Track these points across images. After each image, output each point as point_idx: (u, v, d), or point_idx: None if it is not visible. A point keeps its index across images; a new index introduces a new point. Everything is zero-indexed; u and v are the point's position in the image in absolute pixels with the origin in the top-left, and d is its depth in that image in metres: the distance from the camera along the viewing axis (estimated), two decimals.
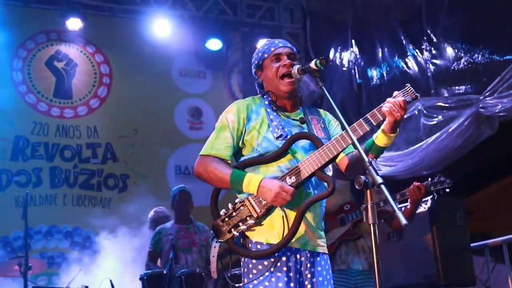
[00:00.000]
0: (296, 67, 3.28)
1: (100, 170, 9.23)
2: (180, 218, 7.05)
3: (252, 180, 3.11)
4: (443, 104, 7.33)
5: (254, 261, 3.15)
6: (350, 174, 3.30)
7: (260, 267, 3.13)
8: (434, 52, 7.68)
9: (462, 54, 7.28)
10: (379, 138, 3.15)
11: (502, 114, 6.57)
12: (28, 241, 6.56)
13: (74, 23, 9.14)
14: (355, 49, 9.14)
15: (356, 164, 3.26)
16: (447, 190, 4.85)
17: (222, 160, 3.25)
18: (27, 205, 6.66)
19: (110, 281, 6.67)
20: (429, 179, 4.89)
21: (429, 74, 7.77)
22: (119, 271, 7.37)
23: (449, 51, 7.47)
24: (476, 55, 7.14)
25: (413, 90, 3.05)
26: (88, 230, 8.37)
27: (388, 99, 3.05)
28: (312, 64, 3.14)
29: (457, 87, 7.34)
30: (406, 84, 3.09)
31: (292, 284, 3.13)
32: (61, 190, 8.91)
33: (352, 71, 9.11)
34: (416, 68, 7.98)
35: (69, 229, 8.54)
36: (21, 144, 8.87)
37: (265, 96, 3.39)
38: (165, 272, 6.25)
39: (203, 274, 6.31)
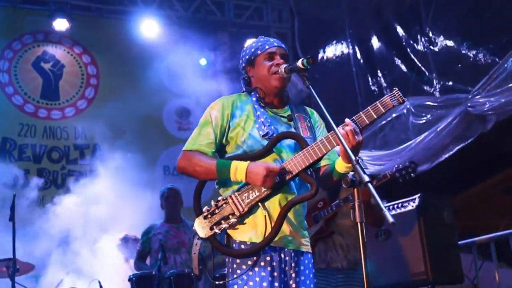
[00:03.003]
0: (283, 66, 3.27)
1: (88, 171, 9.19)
2: (170, 217, 7.03)
3: (238, 167, 3.10)
4: (431, 103, 7.36)
5: (238, 260, 3.14)
6: (320, 184, 3.28)
7: (244, 266, 3.13)
8: (425, 50, 7.70)
9: (453, 53, 7.31)
10: (338, 165, 3.15)
11: (490, 113, 6.60)
12: (15, 243, 6.51)
13: (61, 24, 9.11)
14: (349, 48, 9.15)
15: (325, 178, 3.29)
16: (412, 175, 4.85)
17: (204, 154, 3.25)
18: (14, 207, 6.62)
19: (99, 282, 6.65)
20: (395, 165, 4.91)
21: (421, 71, 7.80)
22: (107, 272, 7.35)
23: (440, 50, 7.50)
24: (466, 54, 7.17)
25: (401, 94, 3.03)
26: (76, 232, 8.31)
27: (345, 126, 3.02)
28: (299, 63, 3.14)
29: (446, 86, 7.38)
30: (394, 88, 3.08)
31: (276, 284, 3.11)
32: (49, 191, 8.87)
33: (349, 69, 9.13)
34: (408, 67, 8.01)
35: (57, 230, 8.48)
36: (8, 146, 8.83)
37: (252, 93, 3.38)
38: (154, 273, 6.24)
39: (192, 274, 6.29)
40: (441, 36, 7.40)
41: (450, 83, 7.41)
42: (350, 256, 4.89)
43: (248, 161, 3.12)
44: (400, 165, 4.87)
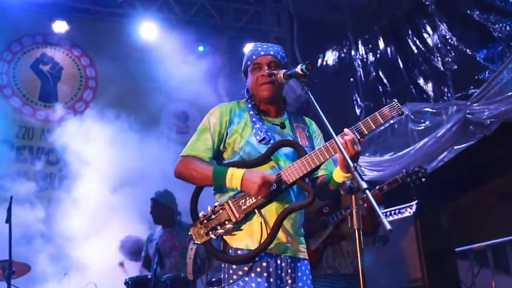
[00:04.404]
0: (282, 72, 3.27)
1: None
2: (163, 223, 7.03)
3: (234, 174, 3.10)
4: (430, 110, 7.36)
5: (234, 266, 3.14)
6: (316, 193, 3.29)
7: (240, 272, 3.12)
8: (425, 56, 7.70)
9: (452, 60, 7.31)
10: (336, 174, 3.14)
11: (489, 121, 6.60)
12: (12, 245, 6.49)
13: (60, 26, 9.11)
14: (350, 53, 9.15)
15: (322, 188, 3.29)
16: (423, 179, 4.89)
17: (202, 160, 3.26)
18: (11, 209, 6.61)
19: (95, 285, 6.63)
20: (404, 170, 4.93)
21: (418, 77, 7.81)
22: (104, 275, 7.34)
23: (439, 57, 7.50)
24: (465, 61, 7.17)
25: (400, 106, 3.04)
26: (73, 234, 8.30)
27: (344, 135, 3.02)
28: (298, 69, 3.14)
29: (446, 92, 7.38)
30: (394, 100, 3.09)
31: None
32: (46, 193, 8.85)
33: (349, 74, 9.12)
34: (408, 72, 8.01)
35: (54, 232, 8.47)
36: (5, 148, 8.82)
37: (249, 100, 3.40)
38: (149, 276, 6.23)
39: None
40: (454, 40, 7.37)
41: (442, 90, 7.41)
42: (355, 262, 4.90)
43: (245, 169, 3.12)
44: (410, 170, 4.90)
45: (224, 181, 3.12)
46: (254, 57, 3.39)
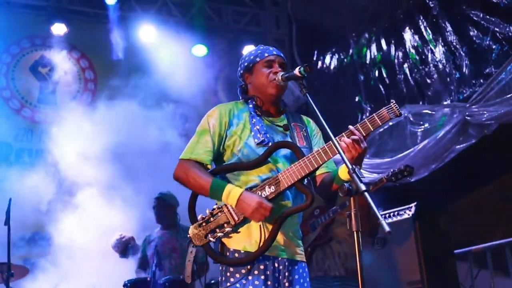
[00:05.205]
0: (280, 74, 3.27)
1: None
2: (163, 224, 7.03)
3: (232, 192, 3.09)
4: (429, 112, 7.36)
5: (232, 269, 3.13)
6: (318, 192, 3.30)
7: (237, 275, 3.11)
8: (427, 58, 7.70)
9: (453, 62, 7.31)
10: (342, 172, 3.14)
11: (488, 122, 6.60)
12: (10, 248, 6.48)
13: (59, 28, 9.10)
14: (350, 55, 9.15)
15: (324, 187, 3.29)
16: (408, 178, 4.89)
17: (201, 165, 3.24)
18: (10, 211, 6.60)
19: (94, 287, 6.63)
20: (391, 170, 4.93)
21: (419, 79, 7.81)
22: (103, 277, 7.32)
23: (441, 58, 7.50)
24: (462, 62, 7.17)
25: (398, 107, 3.04)
26: (72, 237, 8.28)
27: (344, 138, 3.03)
28: (296, 71, 3.14)
29: (446, 94, 7.38)
30: (391, 101, 3.09)
31: None
32: (46, 195, 8.83)
33: (348, 76, 9.11)
34: (408, 73, 8.01)
35: (53, 235, 8.46)
36: (4, 150, 8.81)
37: (249, 100, 3.38)
38: (148, 279, 6.22)
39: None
40: (456, 41, 7.36)
41: (442, 91, 7.40)
42: (347, 264, 4.89)
43: (243, 189, 3.12)
44: (396, 169, 4.90)
45: (221, 197, 3.12)
46: (266, 54, 3.40)
